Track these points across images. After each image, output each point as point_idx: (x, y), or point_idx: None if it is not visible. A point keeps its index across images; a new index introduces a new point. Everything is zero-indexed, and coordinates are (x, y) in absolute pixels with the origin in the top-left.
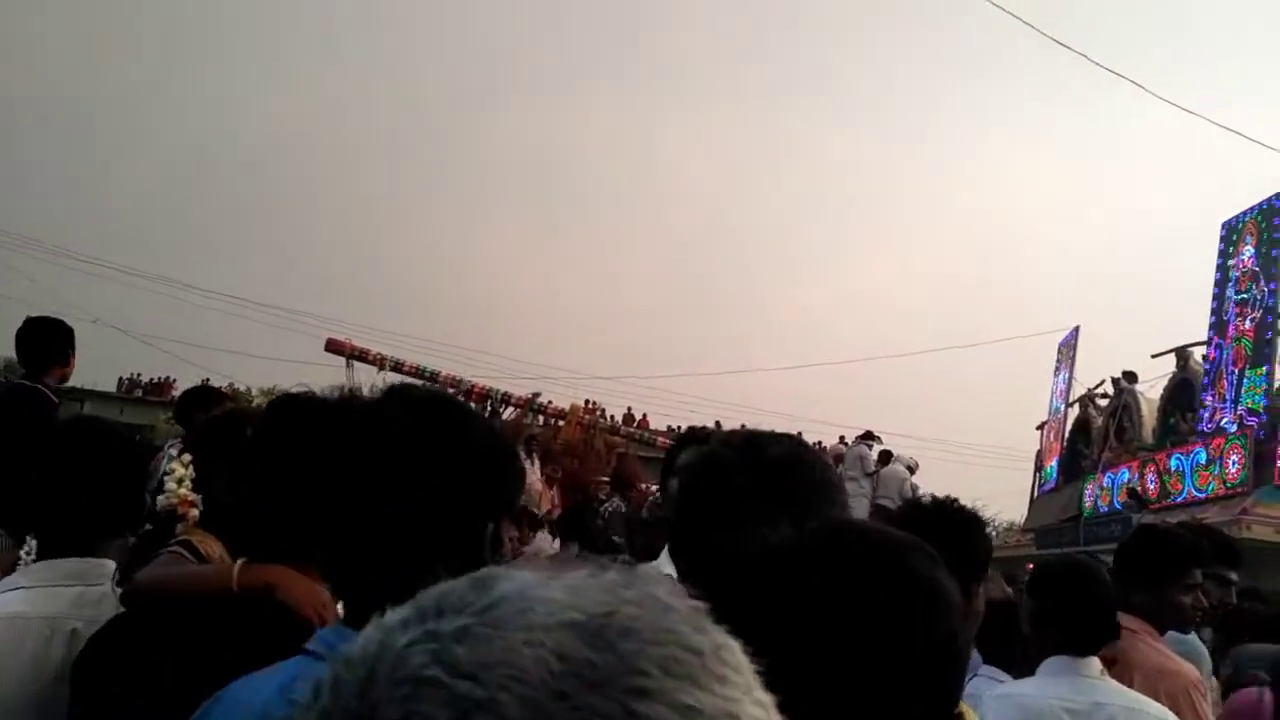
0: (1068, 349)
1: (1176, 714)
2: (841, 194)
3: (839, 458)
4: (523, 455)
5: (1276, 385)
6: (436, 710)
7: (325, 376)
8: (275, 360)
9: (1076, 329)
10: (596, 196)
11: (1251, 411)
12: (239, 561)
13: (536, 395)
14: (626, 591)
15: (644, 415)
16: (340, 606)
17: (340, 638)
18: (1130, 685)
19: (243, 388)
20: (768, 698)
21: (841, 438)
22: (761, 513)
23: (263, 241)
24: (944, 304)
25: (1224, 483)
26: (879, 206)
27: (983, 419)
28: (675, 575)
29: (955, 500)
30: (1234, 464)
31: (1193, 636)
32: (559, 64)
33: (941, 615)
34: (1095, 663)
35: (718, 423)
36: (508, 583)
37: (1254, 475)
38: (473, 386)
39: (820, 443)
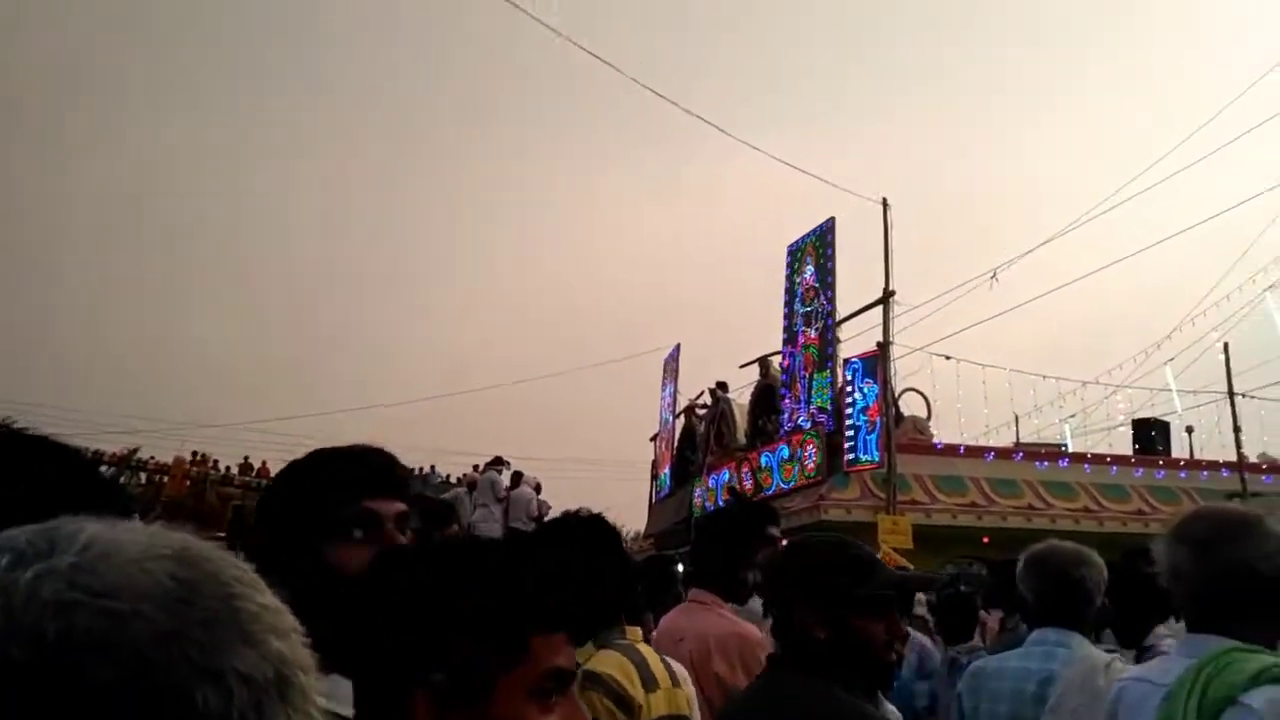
0: (671, 364)
1: (746, 668)
2: (461, 234)
3: (473, 485)
4: None
5: (839, 386)
6: (93, 622)
7: None
8: None
9: (678, 346)
10: (193, 239)
11: (821, 409)
12: None
13: (134, 450)
14: (176, 535)
15: (264, 462)
16: None
17: None
18: (707, 651)
19: None
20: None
21: (475, 466)
22: None
23: None
24: (565, 334)
25: (804, 474)
26: (499, 241)
27: (606, 436)
28: None
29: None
30: (811, 457)
31: (754, 601)
32: (151, 89)
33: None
34: None
35: None
36: (84, 530)
37: (827, 465)
38: None
39: (455, 476)
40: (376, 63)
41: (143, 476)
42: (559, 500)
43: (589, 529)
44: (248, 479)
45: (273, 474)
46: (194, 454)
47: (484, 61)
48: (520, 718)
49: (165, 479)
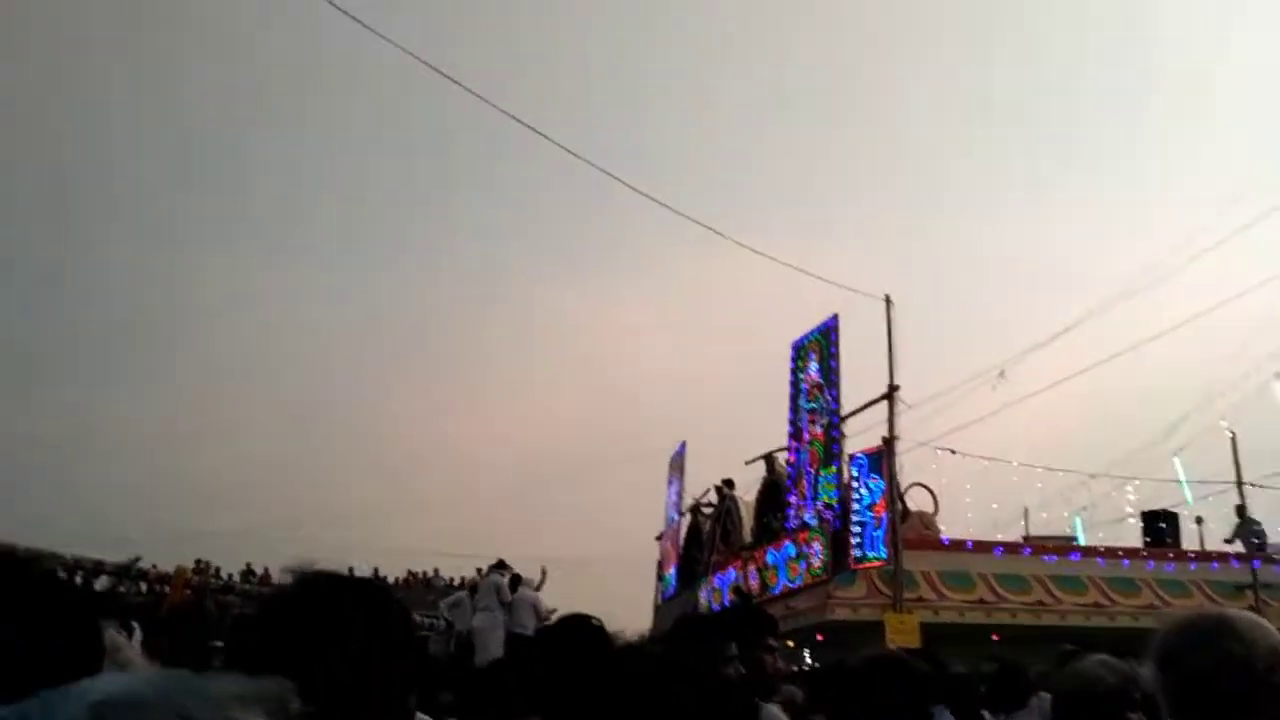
0: (677, 462)
1: None
2: (463, 346)
3: (474, 588)
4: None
5: (845, 481)
6: None
7: None
8: None
9: (684, 444)
10: (200, 342)
11: (827, 505)
12: None
13: (135, 560)
14: (171, 680)
15: (265, 570)
16: None
17: None
18: None
19: None
20: None
21: (479, 570)
22: None
23: None
24: (567, 437)
25: (810, 572)
26: (504, 351)
27: (611, 536)
28: None
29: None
30: (817, 554)
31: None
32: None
33: None
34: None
35: (350, 569)
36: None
37: (833, 562)
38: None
39: (458, 579)
40: (387, 163)
41: (143, 586)
42: (562, 600)
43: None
44: (249, 588)
45: (275, 580)
46: (197, 562)
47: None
48: None
49: (167, 588)
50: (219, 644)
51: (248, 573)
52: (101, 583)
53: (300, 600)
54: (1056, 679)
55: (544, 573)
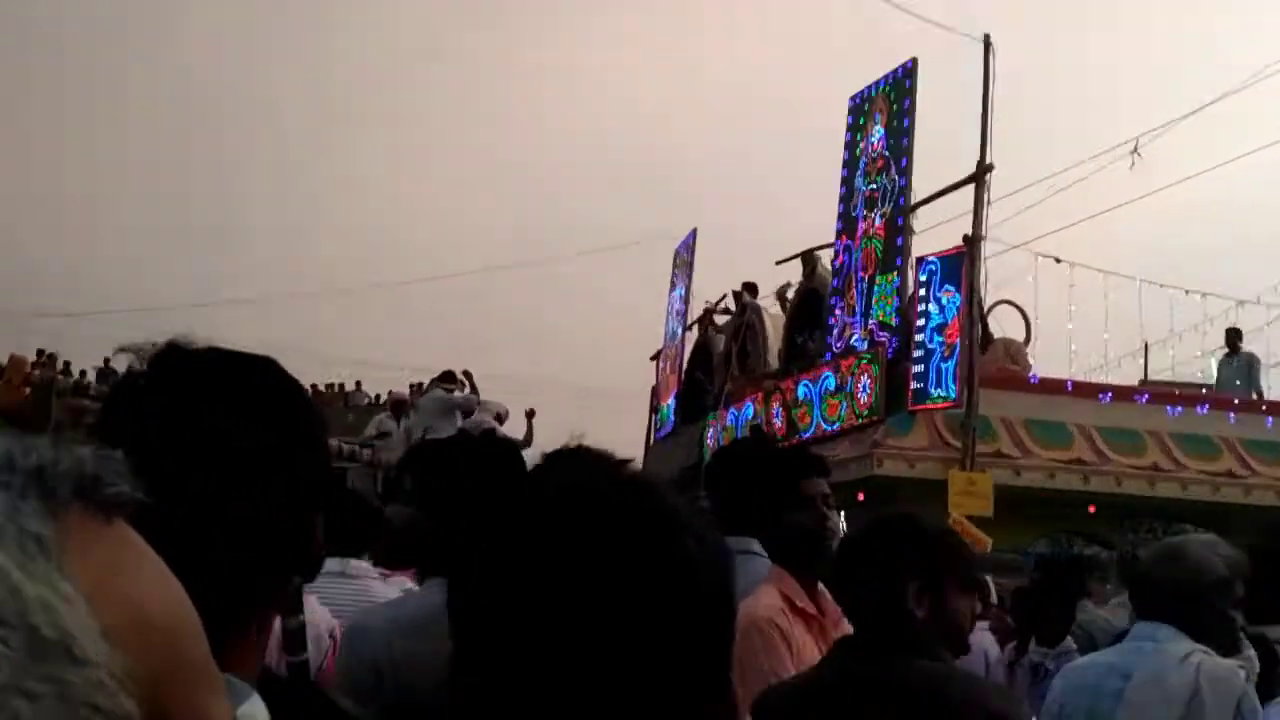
0: (684, 257)
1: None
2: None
3: (398, 405)
4: None
5: (910, 293)
6: None
7: None
8: None
9: (694, 233)
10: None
11: (883, 325)
12: None
13: None
14: None
15: (131, 368)
16: None
17: None
18: None
19: None
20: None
21: (413, 385)
22: None
23: None
24: (540, 212)
25: (855, 412)
26: (453, 107)
27: (593, 353)
28: None
29: None
30: (865, 389)
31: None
32: None
33: None
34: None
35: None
36: None
37: (885, 401)
38: None
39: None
40: None
41: None
42: (542, 430)
43: None
44: (106, 389)
45: None
46: (39, 353)
47: None
48: None
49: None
50: None
51: (107, 371)
52: None
53: (151, 375)
54: (1147, 558)
55: (530, 417)
